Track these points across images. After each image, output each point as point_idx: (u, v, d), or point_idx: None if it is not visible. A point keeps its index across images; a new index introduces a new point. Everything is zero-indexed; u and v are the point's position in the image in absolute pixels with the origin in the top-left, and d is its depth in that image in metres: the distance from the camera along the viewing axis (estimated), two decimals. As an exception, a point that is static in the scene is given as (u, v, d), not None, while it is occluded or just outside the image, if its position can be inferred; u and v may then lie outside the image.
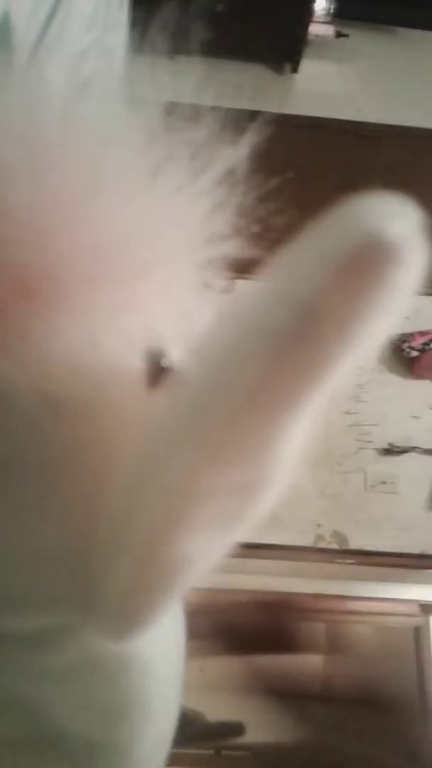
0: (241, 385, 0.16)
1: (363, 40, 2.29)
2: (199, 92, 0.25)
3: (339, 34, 2.22)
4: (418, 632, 2.00)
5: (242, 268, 0.24)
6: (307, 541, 1.85)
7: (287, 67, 2.20)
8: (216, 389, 0.17)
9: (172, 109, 0.23)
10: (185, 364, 0.20)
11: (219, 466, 0.18)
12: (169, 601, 0.22)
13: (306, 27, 2.09)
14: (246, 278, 0.23)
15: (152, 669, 0.28)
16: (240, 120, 0.25)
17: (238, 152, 0.24)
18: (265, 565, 1.69)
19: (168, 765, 0.34)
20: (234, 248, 0.24)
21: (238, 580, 1.56)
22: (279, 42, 2.14)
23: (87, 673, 0.27)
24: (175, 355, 0.24)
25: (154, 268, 0.23)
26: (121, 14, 1.02)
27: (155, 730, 0.29)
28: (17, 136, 0.22)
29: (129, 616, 0.22)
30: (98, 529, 0.22)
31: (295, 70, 2.19)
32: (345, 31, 2.23)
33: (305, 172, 2.21)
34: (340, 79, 2.25)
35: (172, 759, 0.37)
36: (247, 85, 2.13)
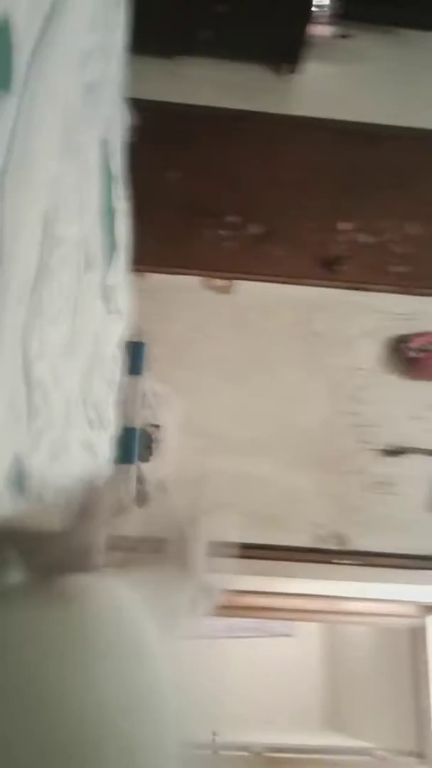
0: None
1: (366, 41, 2.28)
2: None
3: (342, 35, 2.21)
4: (414, 633, 2.01)
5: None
6: (306, 541, 1.86)
7: (286, 67, 2.20)
8: None
9: None
10: None
11: None
12: None
13: (303, 28, 2.07)
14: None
15: None
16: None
17: None
18: (264, 566, 1.70)
19: None
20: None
21: (237, 581, 1.56)
22: (277, 43, 2.13)
23: None
24: None
25: None
26: (118, 14, 1.01)
27: None
28: None
29: None
30: None
31: (293, 70, 2.18)
32: (348, 32, 2.23)
33: (306, 172, 2.23)
34: (342, 80, 2.25)
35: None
36: (245, 86, 2.13)
